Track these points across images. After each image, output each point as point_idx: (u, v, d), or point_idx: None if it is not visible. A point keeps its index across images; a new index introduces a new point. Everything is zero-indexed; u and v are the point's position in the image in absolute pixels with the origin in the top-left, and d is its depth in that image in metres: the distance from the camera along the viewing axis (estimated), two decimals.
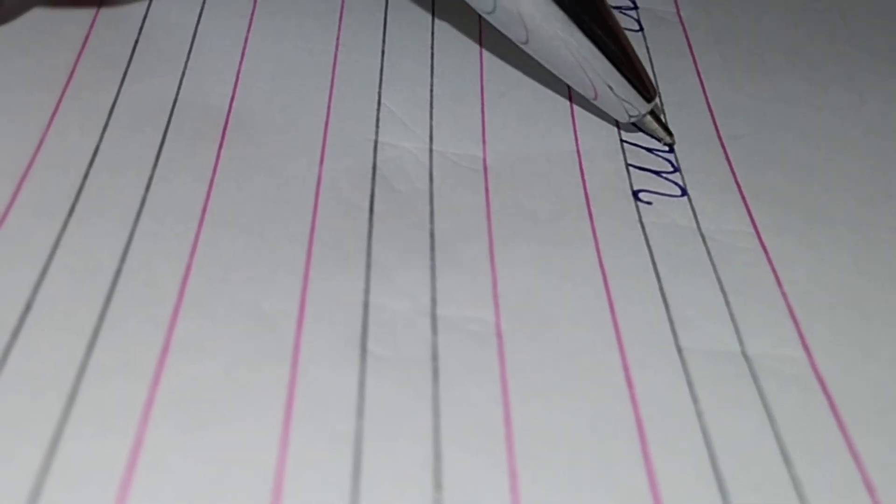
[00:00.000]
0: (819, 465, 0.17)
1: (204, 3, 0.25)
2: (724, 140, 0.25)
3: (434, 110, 0.24)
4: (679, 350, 0.18)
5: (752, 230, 0.22)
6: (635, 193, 0.22)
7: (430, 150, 0.22)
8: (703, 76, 0.27)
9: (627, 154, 0.24)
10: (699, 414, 0.17)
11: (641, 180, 0.23)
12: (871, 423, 0.18)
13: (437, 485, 0.15)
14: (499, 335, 0.18)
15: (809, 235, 0.22)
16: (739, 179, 0.23)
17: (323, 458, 0.15)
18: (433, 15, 0.26)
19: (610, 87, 0.22)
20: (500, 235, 0.20)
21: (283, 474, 0.15)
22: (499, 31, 0.23)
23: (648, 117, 0.23)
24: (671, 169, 0.24)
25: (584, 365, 0.18)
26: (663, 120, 0.24)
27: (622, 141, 0.24)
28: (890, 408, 0.18)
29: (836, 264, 0.21)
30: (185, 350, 0.16)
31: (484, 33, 0.26)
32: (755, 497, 0.16)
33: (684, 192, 0.23)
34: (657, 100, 0.23)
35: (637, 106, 0.23)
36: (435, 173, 0.22)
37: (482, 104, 0.24)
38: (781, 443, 0.17)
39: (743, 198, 0.23)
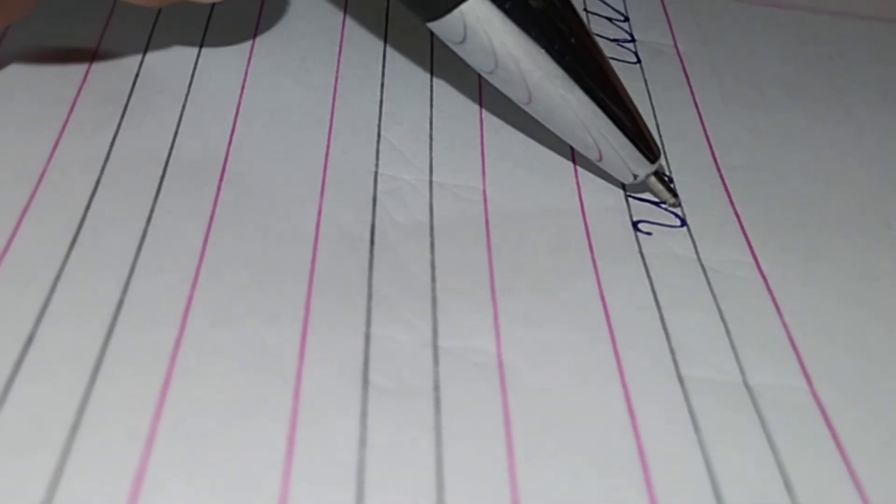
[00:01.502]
0: (822, 494, 0.17)
1: (204, 36, 0.25)
2: (722, 171, 0.25)
3: (434, 142, 0.24)
4: (680, 380, 0.18)
5: (752, 260, 0.22)
6: (635, 224, 0.22)
7: (430, 182, 0.22)
8: (700, 108, 0.27)
9: (627, 185, 0.24)
10: (701, 444, 0.17)
11: (641, 211, 0.23)
12: (874, 453, 0.18)
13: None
14: (500, 366, 0.18)
15: (808, 265, 0.22)
16: (738, 210, 0.24)
17: (326, 489, 0.15)
18: (432, 48, 0.27)
19: (613, 148, 0.22)
20: (500, 267, 0.20)
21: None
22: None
23: (653, 178, 0.23)
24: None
25: (586, 395, 0.18)
26: (668, 181, 0.23)
27: None
28: (892, 437, 0.18)
29: (835, 294, 0.21)
30: (186, 383, 0.16)
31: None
32: None
33: (683, 223, 0.23)
34: (661, 160, 0.23)
35: (641, 167, 0.22)
36: (435, 205, 0.22)
37: (482, 137, 0.24)
38: (784, 472, 0.17)
39: (742, 228, 0.23)
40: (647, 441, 0.17)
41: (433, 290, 0.19)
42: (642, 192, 0.23)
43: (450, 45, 0.21)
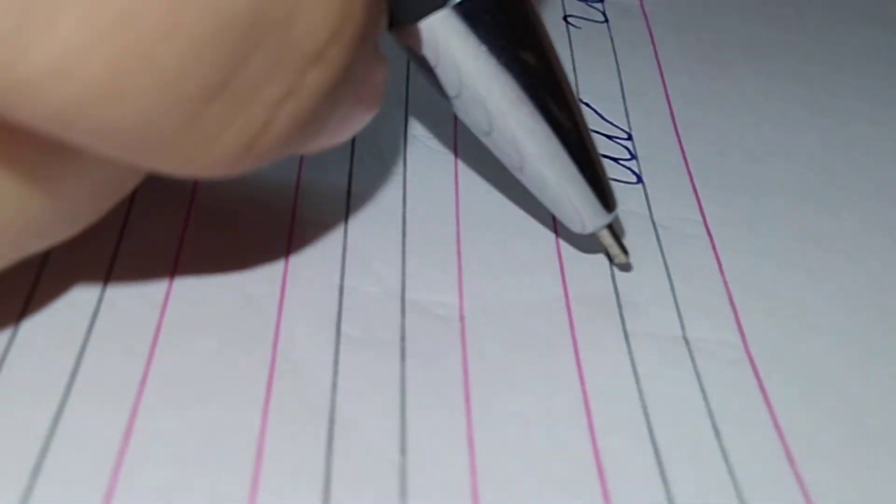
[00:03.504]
0: (746, 438, 0.19)
1: None
2: (679, 128, 0.26)
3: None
4: (626, 334, 0.20)
5: (700, 218, 0.24)
6: None
7: (406, 134, 0.24)
8: (662, 66, 0.28)
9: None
10: (640, 392, 0.19)
11: None
12: (796, 402, 0.19)
13: (403, 450, 0.17)
14: (461, 318, 0.20)
15: (754, 226, 0.24)
16: (691, 167, 0.25)
17: (301, 429, 0.17)
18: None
19: (571, 194, 0.20)
20: (466, 221, 0.22)
21: (265, 442, 0.17)
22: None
23: (605, 231, 0.21)
24: (628, 156, 0.25)
25: (538, 347, 0.19)
26: (620, 238, 0.21)
27: None
28: (815, 388, 0.20)
29: (776, 255, 0.23)
30: (175, 333, 0.18)
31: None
32: (687, 465, 0.18)
33: (640, 180, 0.24)
34: (616, 213, 0.21)
35: (595, 216, 0.20)
36: (409, 157, 0.23)
37: None
38: (713, 418, 0.19)
39: (693, 186, 0.25)
40: (591, 387, 0.19)
41: (403, 244, 0.21)
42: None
43: (417, 64, 0.20)
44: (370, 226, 0.21)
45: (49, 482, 0.15)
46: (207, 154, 0.14)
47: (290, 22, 0.13)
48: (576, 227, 0.21)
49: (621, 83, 0.27)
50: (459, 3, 0.18)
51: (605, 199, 0.20)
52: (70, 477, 0.15)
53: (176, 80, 0.12)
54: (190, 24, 0.12)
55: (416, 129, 0.24)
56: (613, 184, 0.23)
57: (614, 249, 0.21)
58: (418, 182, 0.23)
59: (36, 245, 0.15)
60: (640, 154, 0.25)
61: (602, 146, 0.25)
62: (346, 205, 0.22)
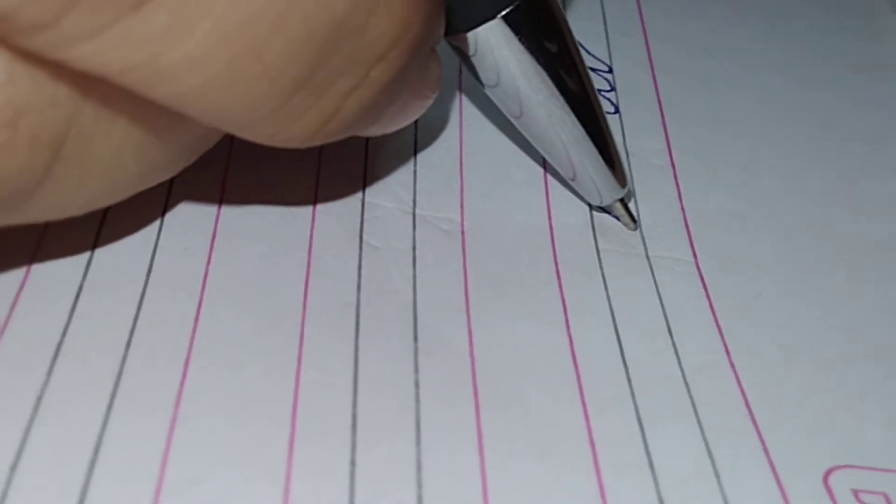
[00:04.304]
0: (694, 336, 0.23)
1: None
2: (653, 63, 0.30)
3: None
4: (598, 251, 0.24)
5: (666, 147, 0.27)
6: None
7: None
8: (642, 5, 0.32)
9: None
10: (609, 297, 0.23)
11: None
12: (737, 311, 0.23)
13: (415, 336, 0.21)
14: (462, 233, 0.24)
15: (713, 154, 0.27)
16: (662, 100, 0.29)
17: (332, 321, 0.21)
18: None
19: (590, 171, 0.24)
20: (468, 151, 0.26)
21: (304, 334, 0.21)
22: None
23: (618, 203, 0.24)
24: (608, 88, 0.29)
25: (525, 259, 0.23)
26: (630, 207, 0.25)
27: None
28: (752, 298, 0.24)
29: (729, 183, 0.27)
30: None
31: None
32: (644, 353, 0.22)
33: (617, 110, 0.28)
34: (629, 188, 0.24)
35: (610, 191, 0.24)
36: None
37: None
38: (668, 320, 0.23)
39: (662, 117, 0.28)
40: (568, 295, 0.23)
41: (415, 169, 0.25)
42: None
43: (464, 62, 0.23)
44: (388, 152, 0.25)
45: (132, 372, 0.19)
46: (287, 131, 0.17)
47: (363, 30, 0.17)
48: (594, 200, 0.24)
49: (605, 20, 0.31)
50: (505, 15, 0.21)
51: (619, 176, 0.24)
52: (152, 354, 0.20)
53: (275, 75, 0.16)
54: (290, 31, 0.15)
55: None
56: None
57: (625, 218, 0.25)
58: (428, 119, 0.26)
59: (148, 182, 0.19)
60: (618, 86, 0.29)
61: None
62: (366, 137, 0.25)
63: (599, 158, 0.23)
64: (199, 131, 0.19)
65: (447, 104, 0.27)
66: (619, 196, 0.24)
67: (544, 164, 0.26)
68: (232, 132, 0.18)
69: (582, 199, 0.25)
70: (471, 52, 0.22)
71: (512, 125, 0.24)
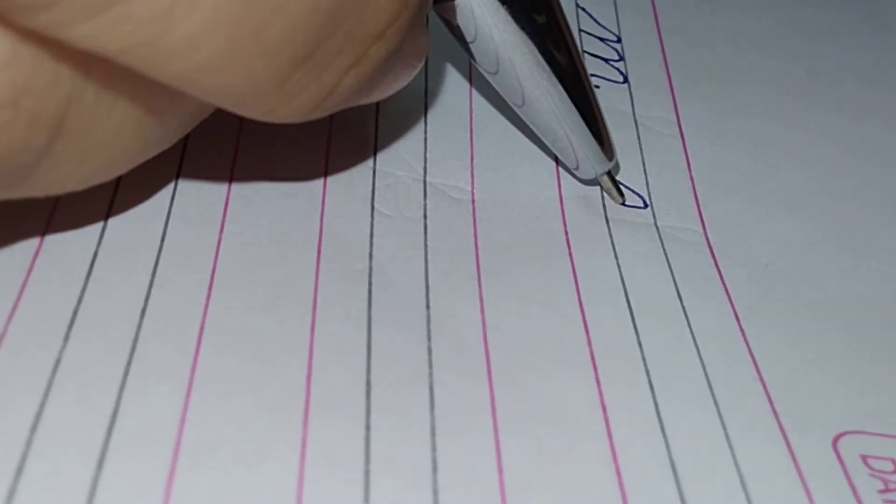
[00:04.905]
0: (703, 304, 0.23)
1: None
2: (662, 34, 0.30)
3: None
4: (606, 220, 0.24)
5: (675, 118, 0.28)
6: None
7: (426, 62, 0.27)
8: None
9: (584, 41, 0.29)
10: (619, 267, 0.23)
11: (592, 66, 0.28)
12: (746, 280, 0.24)
13: (427, 304, 0.21)
14: (473, 201, 0.24)
15: (722, 124, 0.28)
16: (671, 70, 0.29)
17: (346, 286, 0.21)
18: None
19: (578, 143, 0.24)
20: (478, 120, 0.26)
21: (317, 301, 0.21)
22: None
23: (605, 176, 0.25)
24: (617, 57, 0.29)
25: (535, 228, 0.24)
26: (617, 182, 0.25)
27: (580, 30, 0.29)
28: (762, 268, 0.24)
29: (737, 152, 0.27)
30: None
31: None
32: (654, 320, 0.22)
33: (626, 80, 0.28)
34: (615, 161, 0.25)
35: (598, 164, 0.24)
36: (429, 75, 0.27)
37: None
38: (678, 288, 0.23)
39: (671, 87, 0.28)
40: (579, 265, 0.23)
41: (425, 137, 0.25)
42: None
43: (450, 31, 0.23)
44: (398, 121, 0.25)
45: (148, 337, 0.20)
46: (286, 108, 0.18)
47: (362, 9, 0.17)
48: (584, 174, 0.25)
49: None
50: None
51: (607, 150, 0.24)
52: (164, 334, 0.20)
53: (275, 54, 0.16)
54: (291, 11, 0.16)
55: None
56: (603, 82, 0.27)
57: (612, 192, 0.25)
58: (438, 87, 0.27)
59: (146, 155, 0.19)
60: (627, 55, 0.29)
61: (594, 48, 0.29)
62: (377, 106, 0.25)
63: (587, 131, 0.23)
64: (199, 105, 0.19)
65: (456, 73, 0.27)
66: (606, 169, 0.24)
67: None
68: (231, 109, 0.18)
69: (571, 173, 0.25)
70: (458, 21, 0.22)
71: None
